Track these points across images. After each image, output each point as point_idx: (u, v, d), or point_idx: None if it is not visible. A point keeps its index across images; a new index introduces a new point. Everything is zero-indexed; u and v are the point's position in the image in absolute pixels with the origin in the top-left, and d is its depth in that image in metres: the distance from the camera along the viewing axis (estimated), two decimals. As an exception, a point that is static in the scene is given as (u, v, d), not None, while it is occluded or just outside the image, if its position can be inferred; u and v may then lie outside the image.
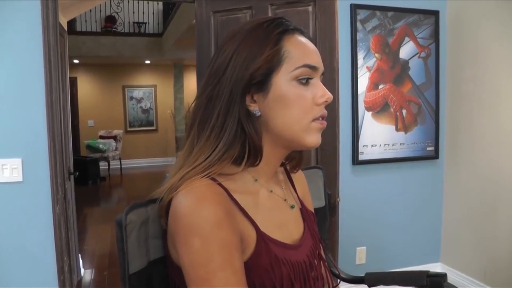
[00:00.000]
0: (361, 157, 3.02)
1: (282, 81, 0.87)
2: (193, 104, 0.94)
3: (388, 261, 3.18)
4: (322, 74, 0.93)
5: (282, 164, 1.06)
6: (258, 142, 0.88)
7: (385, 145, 3.04)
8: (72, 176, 3.26)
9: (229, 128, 0.87)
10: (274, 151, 0.93)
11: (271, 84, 0.87)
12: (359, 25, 2.95)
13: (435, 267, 3.34)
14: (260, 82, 0.87)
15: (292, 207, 1.01)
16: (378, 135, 3.04)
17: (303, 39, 0.91)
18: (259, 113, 0.89)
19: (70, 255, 2.76)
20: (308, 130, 0.89)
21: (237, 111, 0.87)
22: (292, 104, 0.87)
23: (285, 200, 1.00)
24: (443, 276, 1.33)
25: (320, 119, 0.90)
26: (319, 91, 0.89)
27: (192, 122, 0.93)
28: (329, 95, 0.89)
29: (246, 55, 0.87)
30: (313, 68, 0.88)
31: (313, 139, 0.90)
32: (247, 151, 0.88)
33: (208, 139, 0.88)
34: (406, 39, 3.08)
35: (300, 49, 0.89)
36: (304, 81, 0.88)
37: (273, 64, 0.87)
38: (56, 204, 2.17)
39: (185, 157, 0.92)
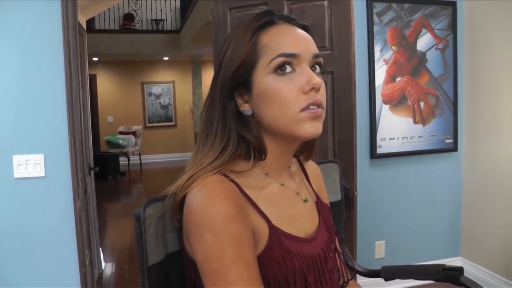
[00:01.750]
0: (379, 151, 3.01)
1: (262, 77, 0.86)
2: (203, 107, 0.96)
3: (407, 255, 3.17)
4: (316, 58, 0.88)
5: (295, 156, 1.06)
6: (258, 142, 0.89)
7: (403, 138, 3.02)
8: (92, 171, 3.32)
9: (232, 132, 0.88)
10: (278, 146, 0.93)
11: (253, 81, 0.87)
12: (375, 18, 2.93)
13: (455, 262, 3.31)
14: (244, 82, 0.87)
15: (306, 200, 1.01)
16: (395, 128, 3.02)
17: (285, 28, 0.89)
18: (250, 112, 0.89)
19: (91, 249, 2.81)
20: (297, 121, 0.85)
21: (230, 115, 0.88)
22: (273, 99, 0.85)
23: (297, 193, 1.00)
24: (459, 269, 1.32)
25: (311, 107, 0.85)
26: (305, 78, 0.85)
27: (201, 126, 0.95)
28: (316, 81, 0.84)
29: (229, 57, 0.88)
30: (291, 55, 0.84)
31: (306, 129, 0.85)
32: (252, 150, 0.89)
33: (214, 143, 0.90)
34: (423, 31, 3.05)
35: (277, 40, 0.86)
36: (283, 71, 0.85)
37: (250, 61, 0.86)
38: (77, 198, 2.22)
39: (195, 157, 0.93)
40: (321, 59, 0.90)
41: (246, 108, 0.89)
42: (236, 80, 0.87)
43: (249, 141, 0.88)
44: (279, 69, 0.85)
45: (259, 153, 0.89)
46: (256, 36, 0.87)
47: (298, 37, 0.88)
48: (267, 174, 0.95)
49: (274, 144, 0.92)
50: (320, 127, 0.87)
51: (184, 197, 0.87)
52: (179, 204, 0.89)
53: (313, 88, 0.84)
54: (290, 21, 0.91)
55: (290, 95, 0.84)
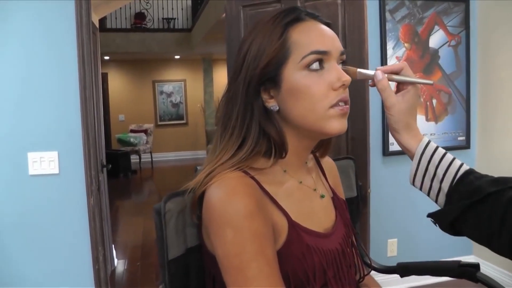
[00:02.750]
0: (391, 148, 3.00)
1: (292, 73, 0.85)
2: (221, 101, 0.96)
3: (419, 253, 3.15)
4: (342, 55, 0.89)
5: (311, 152, 1.05)
6: (280, 138, 0.89)
7: (415, 136, 3.00)
8: (104, 169, 3.34)
9: (252, 128, 0.88)
10: (300, 143, 0.93)
11: (282, 78, 0.86)
12: (388, 15, 2.92)
13: (468, 260, 3.29)
14: (272, 78, 0.87)
15: (323, 196, 1.01)
16: (408, 126, 3.00)
17: (313, 25, 0.89)
18: (277, 108, 0.89)
19: (104, 245, 2.83)
20: (326, 118, 0.85)
21: (255, 110, 0.88)
22: (304, 94, 0.85)
23: (314, 190, 1.00)
24: (475, 266, 1.31)
25: (340, 104, 0.86)
26: (334, 75, 0.85)
27: (218, 120, 0.95)
28: (345, 78, 0.85)
29: (256, 53, 0.87)
30: (322, 53, 0.85)
31: (334, 126, 0.86)
32: (273, 147, 0.89)
33: (230, 138, 0.90)
34: (436, 27, 3.03)
35: (307, 37, 0.86)
36: (316, 68, 0.85)
37: (280, 57, 0.86)
38: (91, 195, 2.23)
39: (212, 154, 0.93)
40: (345, 56, 0.90)
41: (272, 104, 0.89)
42: (265, 76, 0.87)
43: (271, 136, 0.88)
44: (310, 65, 0.85)
45: (280, 150, 0.89)
46: (286, 33, 0.86)
47: (327, 34, 0.88)
48: (285, 170, 0.95)
49: (296, 140, 0.92)
50: (346, 124, 0.88)
51: (203, 193, 0.87)
52: (198, 200, 0.90)
53: (343, 85, 0.85)
54: (315, 17, 0.91)
55: (320, 91, 0.85)
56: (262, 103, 0.89)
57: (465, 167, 0.87)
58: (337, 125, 0.86)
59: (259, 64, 0.86)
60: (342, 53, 0.89)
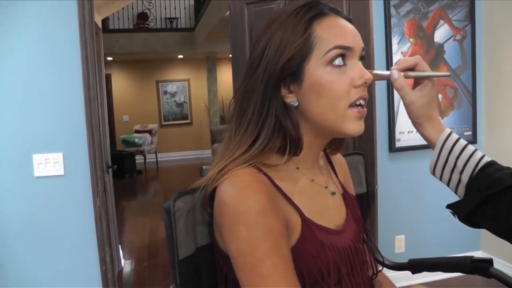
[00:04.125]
0: (398, 144, 2.98)
1: (315, 68, 0.84)
2: (232, 99, 0.94)
3: (427, 250, 3.13)
4: (362, 54, 0.88)
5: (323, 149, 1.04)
6: (297, 134, 0.87)
7: (421, 131, 2.99)
8: (110, 170, 3.34)
9: (267, 123, 0.86)
10: (315, 140, 0.92)
11: (305, 73, 0.85)
12: (392, 10, 2.90)
13: (476, 256, 3.27)
14: (293, 73, 0.85)
15: (333, 193, 1.00)
16: (414, 122, 2.99)
17: (336, 20, 0.87)
18: (297, 104, 0.87)
19: (111, 246, 2.83)
20: (345, 117, 0.85)
21: (273, 105, 0.86)
22: (327, 91, 0.83)
23: (326, 187, 0.99)
24: (488, 261, 1.29)
25: (360, 102, 0.85)
26: (357, 72, 0.84)
27: (231, 116, 0.93)
28: (368, 76, 0.84)
29: (277, 47, 0.85)
30: (346, 48, 0.84)
31: (353, 127, 0.86)
32: (288, 143, 0.87)
33: (245, 134, 0.88)
34: (441, 22, 3.01)
35: (331, 32, 0.84)
36: (339, 64, 0.84)
37: (303, 52, 0.84)
38: (97, 196, 2.23)
39: (225, 149, 0.92)
40: (364, 53, 0.89)
41: (292, 99, 0.87)
42: (286, 71, 0.85)
43: (287, 132, 0.86)
44: (333, 60, 0.84)
45: (295, 147, 0.88)
46: (310, 27, 0.85)
47: (350, 30, 0.87)
48: (298, 168, 0.94)
49: (311, 137, 0.91)
50: (363, 126, 0.88)
51: (214, 190, 0.86)
52: (209, 197, 0.89)
53: (365, 83, 0.85)
54: (338, 12, 0.90)
55: (342, 88, 0.84)
56: (281, 98, 0.87)
57: (486, 159, 0.87)
58: (355, 126, 0.86)
59: (281, 58, 0.84)
60: (363, 50, 0.88)
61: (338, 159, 1.13)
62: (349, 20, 0.90)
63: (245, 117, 0.88)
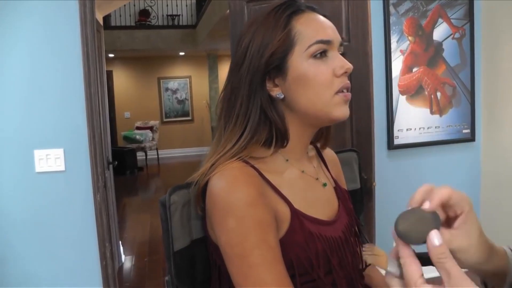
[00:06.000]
0: (396, 142, 2.99)
1: (298, 61, 0.89)
2: (220, 96, 0.98)
3: (425, 248, 3.14)
4: (341, 46, 0.93)
5: (312, 143, 1.07)
6: (283, 126, 0.91)
7: (420, 128, 3.00)
8: (111, 166, 3.36)
9: (253, 116, 0.90)
10: (303, 130, 0.95)
11: (288, 66, 0.89)
12: (391, 8, 2.91)
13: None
14: (277, 67, 0.90)
15: (324, 185, 1.02)
16: (413, 119, 3.00)
17: (314, 16, 0.92)
18: (282, 96, 0.91)
19: (112, 242, 2.86)
20: (332, 103, 0.89)
21: (258, 99, 0.90)
22: (312, 82, 0.88)
23: (316, 179, 1.01)
24: None
25: (344, 91, 0.90)
26: (338, 63, 0.89)
27: (220, 112, 0.97)
28: (348, 65, 0.89)
29: (260, 44, 0.89)
30: (327, 42, 0.89)
31: (340, 111, 0.90)
32: (274, 135, 0.91)
33: (234, 128, 0.92)
34: (440, 20, 3.02)
35: (311, 27, 0.90)
36: (320, 56, 0.89)
37: (285, 47, 0.89)
38: (97, 192, 2.25)
39: (216, 146, 0.95)
40: (342, 47, 0.94)
41: (277, 92, 0.92)
42: (270, 65, 0.89)
43: (274, 124, 0.90)
44: (315, 54, 0.89)
45: (282, 138, 0.92)
46: (289, 23, 0.90)
47: (328, 25, 0.92)
48: (287, 160, 0.96)
49: (298, 128, 0.94)
50: (348, 110, 0.92)
51: (206, 184, 0.89)
52: (202, 192, 0.91)
53: (346, 72, 0.89)
54: (314, 10, 0.95)
55: (325, 77, 0.89)
56: (267, 92, 0.91)
57: None
58: (342, 110, 0.90)
59: (264, 54, 0.89)
60: (341, 44, 0.93)
61: (330, 155, 1.15)
62: (325, 16, 0.95)
63: (233, 112, 0.92)
